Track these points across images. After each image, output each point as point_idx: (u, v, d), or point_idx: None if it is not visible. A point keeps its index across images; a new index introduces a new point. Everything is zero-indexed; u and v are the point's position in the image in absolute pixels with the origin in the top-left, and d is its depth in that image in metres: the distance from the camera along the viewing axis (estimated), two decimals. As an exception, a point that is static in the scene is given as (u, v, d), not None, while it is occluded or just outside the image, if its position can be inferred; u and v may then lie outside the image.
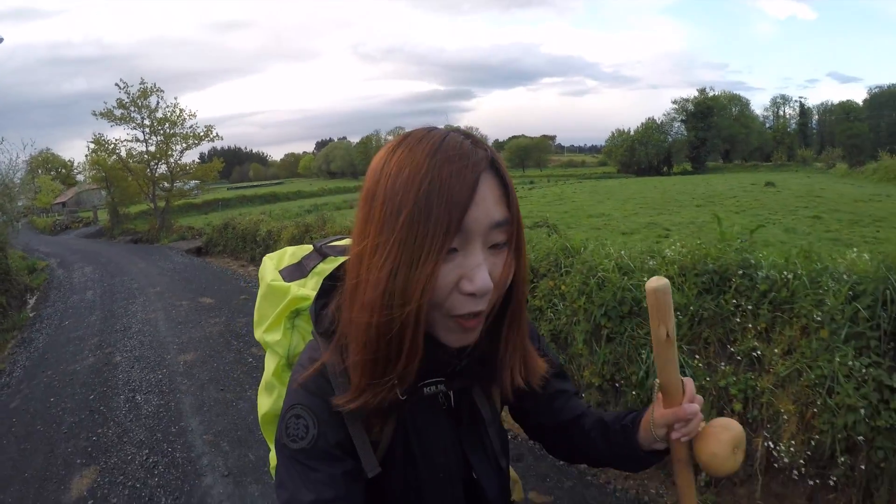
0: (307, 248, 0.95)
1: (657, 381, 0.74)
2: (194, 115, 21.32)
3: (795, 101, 76.96)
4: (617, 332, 3.08)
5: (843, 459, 2.25)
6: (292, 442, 0.67)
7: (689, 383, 0.74)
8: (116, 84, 19.66)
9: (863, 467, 2.21)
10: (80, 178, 45.66)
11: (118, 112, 19.84)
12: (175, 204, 22.61)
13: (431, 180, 0.57)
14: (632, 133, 59.99)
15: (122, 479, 3.18)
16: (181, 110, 21.00)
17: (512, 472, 0.95)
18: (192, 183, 24.35)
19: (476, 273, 0.59)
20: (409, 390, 0.67)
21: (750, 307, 2.70)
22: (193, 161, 23.79)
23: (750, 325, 2.68)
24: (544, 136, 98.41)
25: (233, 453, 3.39)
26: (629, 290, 3.10)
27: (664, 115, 61.76)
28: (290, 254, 0.96)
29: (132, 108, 20.08)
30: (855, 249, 2.84)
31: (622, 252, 3.46)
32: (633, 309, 3.07)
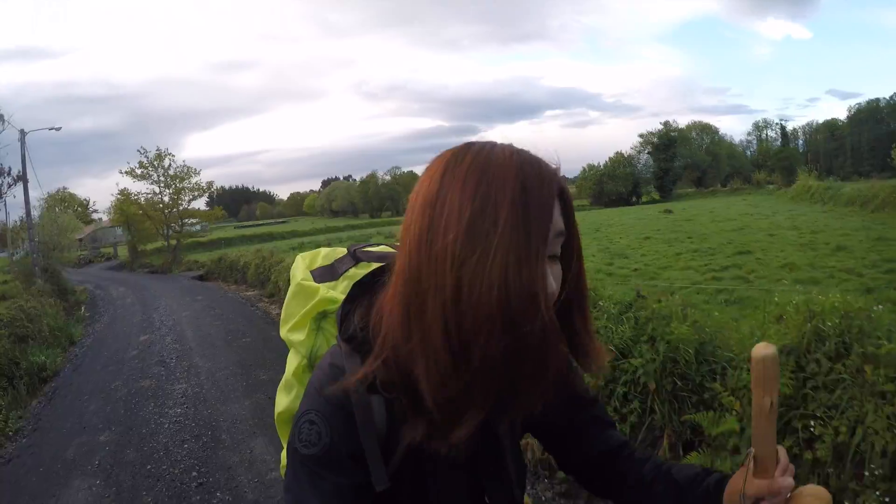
0: (341, 252, 0.92)
1: (752, 450, 0.67)
2: (198, 173, 27.42)
3: (776, 124, 79.51)
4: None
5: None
6: (304, 447, 0.66)
7: (783, 454, 0.67)
8: (137, 150, 26.10)
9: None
10: (95, 216, 48.92)
11: (139, 171, 25.94)
12: (185, 242, 28.38)
13: (524, 178, 0.56)
14: (601, 167, 62.25)
15: (158, 335, 8.78)
16: (188, 168, 27.06)
17: (527, 500, 0.91)
18: (199, 226, 30.11)
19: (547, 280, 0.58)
20: None
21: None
22: (199, 208, 29.65)
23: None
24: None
25: (197, 333, 8.88)
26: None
27: (631, 147, 64.40)
28: (323, 255, 0.93)
29: (150, 168, 26.08)
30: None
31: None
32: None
